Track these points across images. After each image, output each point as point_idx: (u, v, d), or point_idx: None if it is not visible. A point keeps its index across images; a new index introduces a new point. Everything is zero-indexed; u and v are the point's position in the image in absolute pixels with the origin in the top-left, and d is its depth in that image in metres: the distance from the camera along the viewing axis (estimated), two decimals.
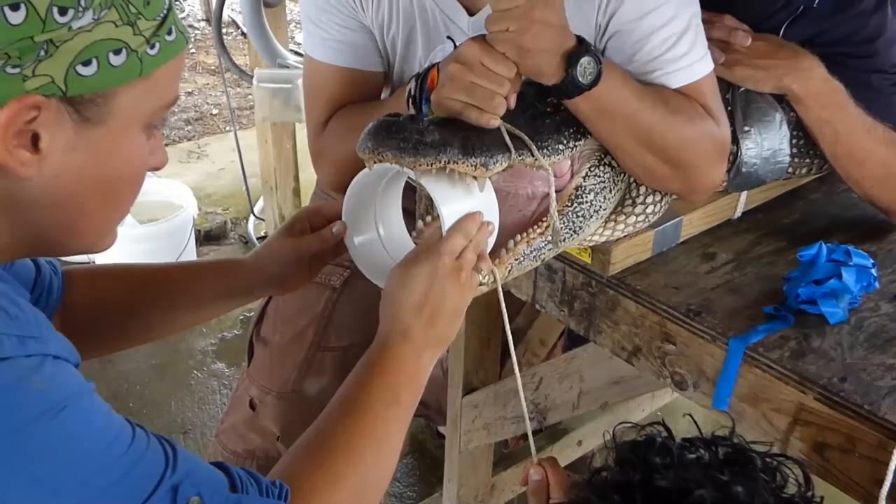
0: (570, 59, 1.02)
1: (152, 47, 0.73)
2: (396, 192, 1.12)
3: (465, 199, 1.01)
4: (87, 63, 0.68)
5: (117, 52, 0.70)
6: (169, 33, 0.75)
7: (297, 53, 2.91)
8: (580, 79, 1.03)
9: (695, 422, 0.81)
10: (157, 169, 0.83)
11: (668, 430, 0.79)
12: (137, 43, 0.71)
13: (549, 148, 1.08)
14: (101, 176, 0.75)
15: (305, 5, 1.32)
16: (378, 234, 1.11)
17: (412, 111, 1.18)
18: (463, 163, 0.97)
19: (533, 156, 1.05)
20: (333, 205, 1.11)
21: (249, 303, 1.19)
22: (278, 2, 2.94)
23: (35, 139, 0.69)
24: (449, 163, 0.96)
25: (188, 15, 6.24)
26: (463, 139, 0.97)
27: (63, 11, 0.66)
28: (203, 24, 6.01)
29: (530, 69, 1.03)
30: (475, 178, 1.00)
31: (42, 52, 0.66)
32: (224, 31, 5.65)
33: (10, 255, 0.75)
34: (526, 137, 1.04)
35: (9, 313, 0.66)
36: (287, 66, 2.84)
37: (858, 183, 1.35)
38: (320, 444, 0.88)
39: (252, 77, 2.86)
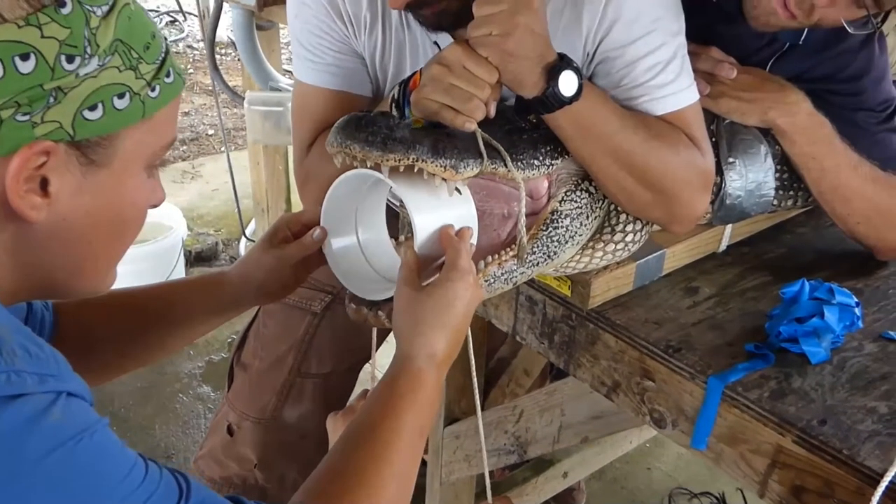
0: (552, 71, 1.01)
1: (153, 90, 0.76)
2: (379, 199, 1.10)
3: (441, 210, 0.98)
4: (93, 108, 0.71)
5: (121, 95, 0.73)
6: (167, 76, 0.77)
7: (290, 75, 2.90)
8: (561, 91, 1.02)
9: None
10: (155, 206, 0.85)
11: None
12: (139, 86, 0.74)
13: (524, 162, 1.06)
14: (106, 216, 0.77)
15: (296, 30, 1.30)
16: (357, 239, 1.10)
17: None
18: (432, 162, 0.94)
19: (506, 167, 1.03)
20: (312, 212, 1.10)
21: (237, 315, 1.18)
22: (271, 25, 2.94)
23: (44, 183, 0.71)
24: (417, 160, 0.93)
25: (188, 35, 6.26)
26: (434, 140, 0.96)
27: (70, 59, 0.69)
28: (202, 44, 6.02)
29: (512, 76, 1.01)
30: (445, 181, 0.97)
31: (51, 100, 0.69)
32: (223, 52, 5.69)
33: (14, 298, 0.76)
34: (500, 147, 1.02)
35: (30, 353, 0.67)
36: (279, 89, 2.83)
37: (844, 220, 1.33)
38: (342, 474, 0.84)
39: (244, 99, 2.86)
